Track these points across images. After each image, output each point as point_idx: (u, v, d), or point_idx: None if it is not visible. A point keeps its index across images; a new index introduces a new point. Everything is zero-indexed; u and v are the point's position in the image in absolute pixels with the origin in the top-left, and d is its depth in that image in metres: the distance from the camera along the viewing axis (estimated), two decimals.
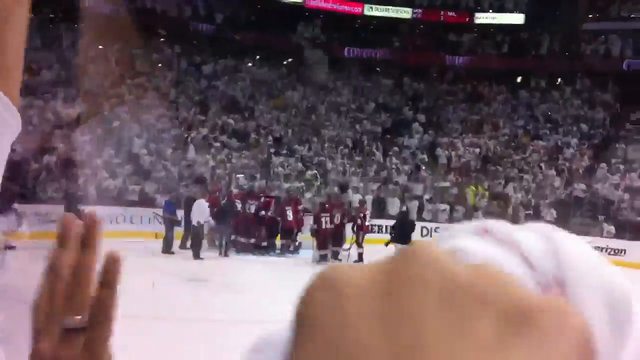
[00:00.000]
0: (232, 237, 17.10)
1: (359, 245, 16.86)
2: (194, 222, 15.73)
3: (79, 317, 0.61)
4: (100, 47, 26.25)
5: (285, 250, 17.54)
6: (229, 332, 8.39)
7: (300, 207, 17.97)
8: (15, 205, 15.44)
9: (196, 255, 15.68)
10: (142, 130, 22.36)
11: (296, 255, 17.41)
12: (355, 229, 16.97)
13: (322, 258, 16.36)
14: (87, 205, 17.04)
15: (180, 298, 10.92)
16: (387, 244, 14.51)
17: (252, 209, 17.30)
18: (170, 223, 16.37)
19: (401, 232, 13.99)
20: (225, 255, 16.43)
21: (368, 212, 17.86)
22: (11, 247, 14.33)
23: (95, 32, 26.95)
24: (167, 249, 16.03)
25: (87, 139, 20.19)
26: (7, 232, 14.92)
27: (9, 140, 0.64)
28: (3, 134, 0.61)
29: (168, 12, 30.20)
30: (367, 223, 17.32)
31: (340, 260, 16.67)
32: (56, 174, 18.50)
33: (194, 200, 16.13)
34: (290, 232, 17.52)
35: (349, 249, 16.78)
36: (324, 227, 16.45)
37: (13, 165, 16.61)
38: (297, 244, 17.68)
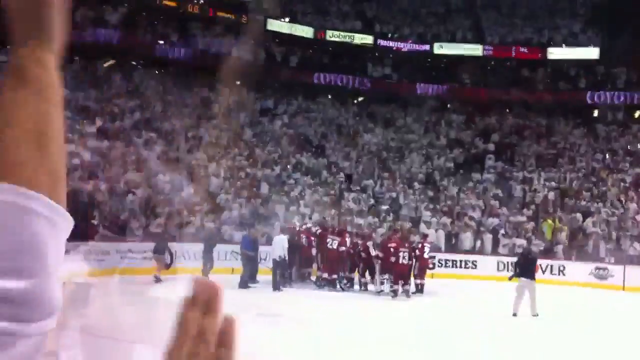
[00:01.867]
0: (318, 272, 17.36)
1: (419, 277, 17.03)
2: (275, 257, 16.23)
3: None
4: (179, 91, 27.42)
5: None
6: None
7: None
8: (170, 244, 16.69)
9: (276, 288, 16.14)
10: (218, 170, 23.04)
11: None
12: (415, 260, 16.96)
13: (395, 293, 16.23)
14: (172, 242, 17.70)
15: (254, 333, 11.08)
16: (510, 278, 14.74)
17: (334, 245, 17.17)
18: (247, 259, 16.78)
19: (524, 267, 14.16)
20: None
21: (428, 245, 17.71)
22: (159, 280, 15.69)
23: (174, 78, 28.22)
24: (243, 283, 16.35)
25: (167, 179, 20.94)
26: (161, 268, 16.24)
27: (64, 240, 0.70)
28: (60, 238, 0.68)
29: (243, 57, 31.21)
30: (425, 256, 17.29)
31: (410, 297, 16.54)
32: (138, 212, 19.25)
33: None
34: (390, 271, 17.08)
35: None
36: (400, 262, 16.36)
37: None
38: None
